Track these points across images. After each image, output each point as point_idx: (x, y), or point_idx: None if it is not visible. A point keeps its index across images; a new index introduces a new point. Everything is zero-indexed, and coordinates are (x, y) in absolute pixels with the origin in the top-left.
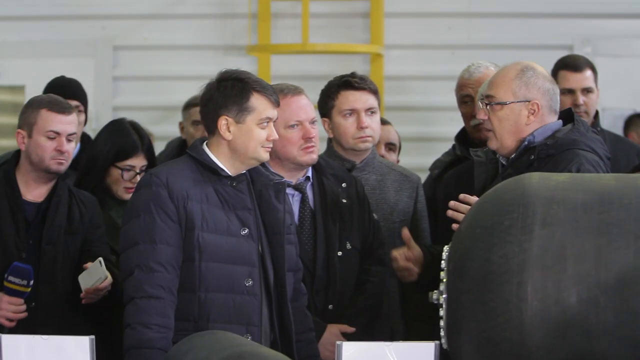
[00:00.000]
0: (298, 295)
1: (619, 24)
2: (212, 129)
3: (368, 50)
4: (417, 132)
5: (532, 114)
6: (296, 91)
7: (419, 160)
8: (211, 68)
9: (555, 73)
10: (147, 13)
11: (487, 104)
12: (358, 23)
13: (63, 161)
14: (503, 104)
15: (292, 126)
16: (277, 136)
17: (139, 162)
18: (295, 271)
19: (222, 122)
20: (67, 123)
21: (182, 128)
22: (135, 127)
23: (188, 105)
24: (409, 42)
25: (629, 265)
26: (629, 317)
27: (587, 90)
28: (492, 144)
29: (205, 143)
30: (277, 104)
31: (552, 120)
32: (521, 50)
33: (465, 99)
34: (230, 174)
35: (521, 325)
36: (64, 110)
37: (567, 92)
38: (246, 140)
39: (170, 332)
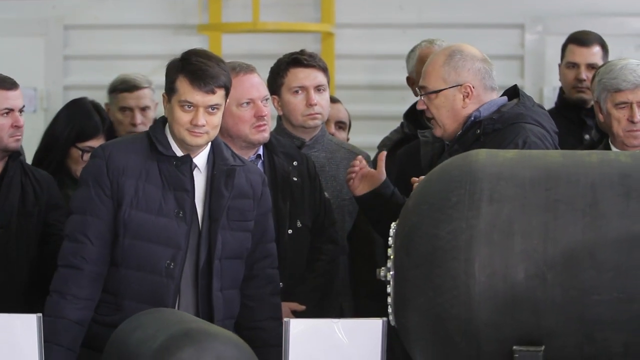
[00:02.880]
0: (262, 283)
1: (570, 2)
2: None
3: (319, 29)
4: (368, 110)
5: (467, 96)
6: (248, 69)
7: (370, 139)
8: (162, 47)
9: (565, 47)
10: None
11: (423, 95)
12: (309, 2)
13: (19, 136)
14: (436, 92)
15: (244, 104)
16: (203, 122)
17: (99, 143)
18: (260, 259)
19: (163, 98)
20: (17, 98)
21: (108, 110)
22: (97, 108)
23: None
24: (360, 21)
25: (576, 241)
26: (576, 293)
27: (592, 67)
28: (437, 132)
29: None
30: (204, 91)
31: (491, 98)
32: (472, 29)
33: None
34: (178, 153)
35: (469, 302)
36: (12, 86)
37: (572, 66)
38: (171, 120)
39: (86, 304)
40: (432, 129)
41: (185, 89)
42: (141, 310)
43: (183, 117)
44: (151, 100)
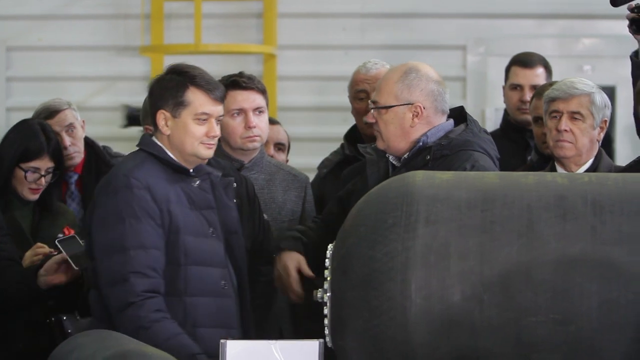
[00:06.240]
0: None
1: (512, 24)
2: (154, 124)
3: (261, 51)
4: (310, 132)
5: (416, 116)
6: None
7: (309, 160)
8: (104, 68)
9: (508, 69)
10: (41, 13)
11: (373, 108)
12: (251, 23)
13: None
14: (387, 107)
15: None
16: (218, 133)
17: (44, 164)
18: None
19: (160, 116)
20: None
21: None
22: (44, 128)
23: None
24: (302, 43)
25: (512, 262)
26: (513, 314)
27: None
28: (379, 144)
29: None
30: (218, 100)
31: (441, 121)
32: (415, 51)
33: (360, 95)
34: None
35: (405, 323)
36: None
37: (516, 87)
38: (182, 135)
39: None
40: (376, 141)
41: (202, 101)
42: (215, 337)
43: (199, 130)
44: (74, 117)
